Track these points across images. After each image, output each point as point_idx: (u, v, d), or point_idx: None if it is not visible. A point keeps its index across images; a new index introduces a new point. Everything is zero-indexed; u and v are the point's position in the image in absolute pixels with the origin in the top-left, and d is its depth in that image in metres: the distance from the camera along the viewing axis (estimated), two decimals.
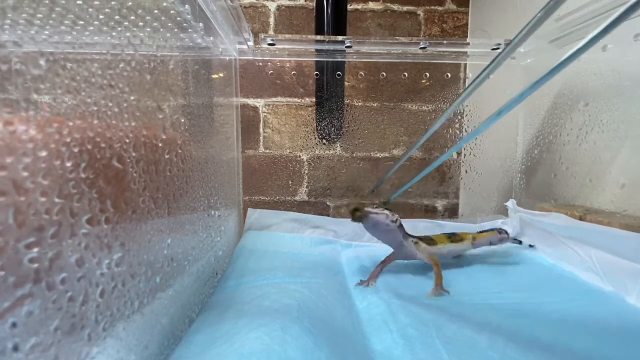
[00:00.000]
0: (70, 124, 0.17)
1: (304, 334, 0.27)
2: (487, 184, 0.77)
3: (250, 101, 0.79)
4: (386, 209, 0.44)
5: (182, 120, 0.33)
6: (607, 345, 0.31)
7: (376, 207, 0.43)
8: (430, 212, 0.84)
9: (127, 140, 0.22)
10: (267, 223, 0.68)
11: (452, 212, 0.84)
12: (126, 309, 0.21)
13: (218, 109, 0.51)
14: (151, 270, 0.24)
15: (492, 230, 0.57)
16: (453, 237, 0.52)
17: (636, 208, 0.46)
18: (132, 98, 0.23)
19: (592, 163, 0.53)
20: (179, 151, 0.31)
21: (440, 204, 0.84)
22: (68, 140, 0.17)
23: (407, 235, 0.47)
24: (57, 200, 0.16)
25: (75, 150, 0.17)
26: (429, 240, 0.50)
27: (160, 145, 0.27)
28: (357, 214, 0.42)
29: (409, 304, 0.39)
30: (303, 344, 0.26)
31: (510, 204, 0.67)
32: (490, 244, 0.55)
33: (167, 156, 0.28)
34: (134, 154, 0.23)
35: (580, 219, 0.52)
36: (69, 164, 0.17)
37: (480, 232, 0.56)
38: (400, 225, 0.45)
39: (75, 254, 0.17)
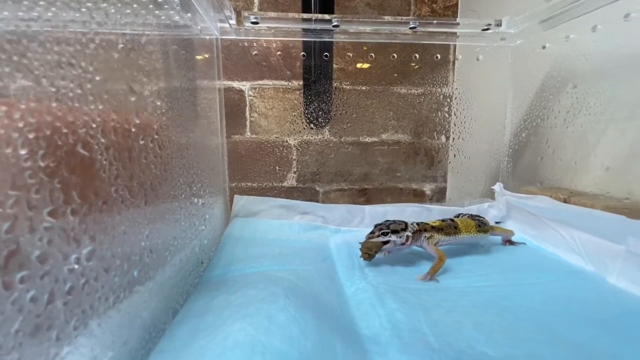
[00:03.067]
0: (23, 106, 0.15)
1: (291, 322, 0.27)
2: (475, 167, 0.77)
3: (236, 84, 0.76)
4: (392, 230, 0.45)
5: (159, 104, 0.31)
6: (589, 324, 0.32)
7: (381, 232, 0.45)
8: (418, 196, 0.84)
9: (94, 125, 0.20)
10: (255, 210, 0.67)
11: (440, 196, 0.85)
12: (100, 305, 0.20)
13: (199, 92, 0.49)
14: (127, 264, 0.23)
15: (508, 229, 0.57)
16: (482, 227, 0.51)
17: (618, 190, 0.47)
18: (97, 79, 0.21)
19: (578, 146, 0.53)
20: (156, 136, 0.29)
21: (428, 187, 0.84)
22: (20, 125, 0.15)
23: (420, 235, 0.47)
24: (10, 192, 0.14)
25: (30, 136, 0.16)
26: (450, 229, 0.49)
27: (133, 130, 0.25)
28: (367, 256, 0.46)
29: (397, 288, 0.39)
30: (289, 333, 0.26)
31: (497, 187, 0.68)
32: (502, 239, 0.55)
33: (142, 142, 0.26)
34: (102, 140, 0.21)
35: (565, 201, 0.53)
36: (23, 152, 0.15)
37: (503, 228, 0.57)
38: (412, 234, 0.46)
39: (36, 249, 0.16)
